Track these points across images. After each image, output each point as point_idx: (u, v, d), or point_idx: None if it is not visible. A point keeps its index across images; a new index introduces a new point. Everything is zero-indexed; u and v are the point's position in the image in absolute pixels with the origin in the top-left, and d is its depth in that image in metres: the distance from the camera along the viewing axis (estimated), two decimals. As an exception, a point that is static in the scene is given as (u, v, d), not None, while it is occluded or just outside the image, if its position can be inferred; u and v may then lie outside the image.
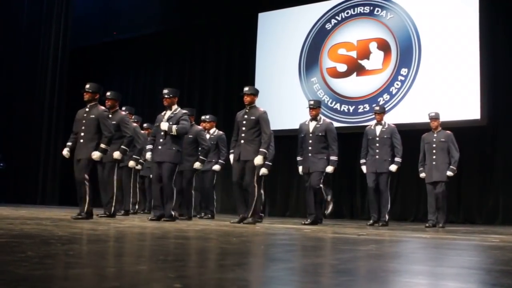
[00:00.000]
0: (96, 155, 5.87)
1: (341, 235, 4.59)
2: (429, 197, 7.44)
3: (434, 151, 7.40)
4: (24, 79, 13.95)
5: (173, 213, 6.29)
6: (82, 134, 6.00)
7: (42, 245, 2.61)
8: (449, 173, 7.29)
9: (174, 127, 6.27)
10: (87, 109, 6.10)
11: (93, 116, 6.00)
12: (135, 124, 7.82)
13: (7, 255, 2.12)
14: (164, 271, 1.88)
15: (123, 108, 7.73)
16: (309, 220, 6.83)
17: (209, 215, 7.90)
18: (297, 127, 7.41)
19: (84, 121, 6.03)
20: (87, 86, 6.14)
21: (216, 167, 7.99)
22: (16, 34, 14.30)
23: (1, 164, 13.27)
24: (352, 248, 3.26)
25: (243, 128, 6.42)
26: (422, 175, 7.52)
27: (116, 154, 6.63)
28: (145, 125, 9.04)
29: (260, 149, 6.27)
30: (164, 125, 6.31)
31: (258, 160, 6.25)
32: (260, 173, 7.37)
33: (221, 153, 8.04)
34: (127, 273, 1.76)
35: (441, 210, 7.32)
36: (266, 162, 6.70)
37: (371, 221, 7.38)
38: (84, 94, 6.11)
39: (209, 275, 1.87)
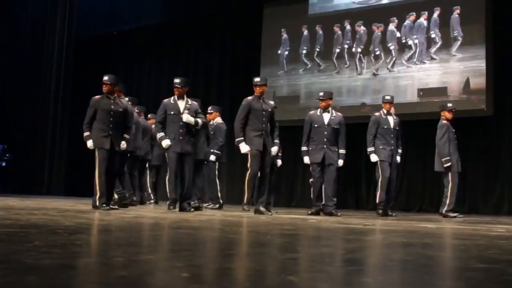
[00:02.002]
0: (124, 146, 6.10)
1: (347, 225, 4.59)
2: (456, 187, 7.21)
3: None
4: (29, 70, 13.99)
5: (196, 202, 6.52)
6: (111, 125, 5.99)
7: (49, 235, 2.62)
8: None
9: (200, 120, 6.33)
10: (111, 101, 6.08)
11: (121, 109, 6.09)
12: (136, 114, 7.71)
13: (15, 245, 2.12)
14: (172, 260, 1.88)
15: (126, 99, 7.66)
16: (314, 210, 6.83)
17: (217, 205, 7.88)
18: (302, 117, 7.35)
19: (112, 113, 6.02)
20: (106, 78, 6.13)
21: (212, 158, 7.90)
22: (22, 25, 14.32)
23: (8, 155, 13.33)
24: (358, 238, 3.26)
25: (264, 119, 6.43)
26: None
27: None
28: (150, 115, 9.02)
29: (276, 141, 6.55)
30: (187, 117, 6.30)
31: (275, 150, 6.40)
32: (278, 164, 7.58)
33: (216, 142, 7.91)
34: (135, 262, 1.76)
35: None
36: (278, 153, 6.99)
37: (390, 213, 7.11)
38: (103, 85, 6.10)
39: (217, 264, 1.87)
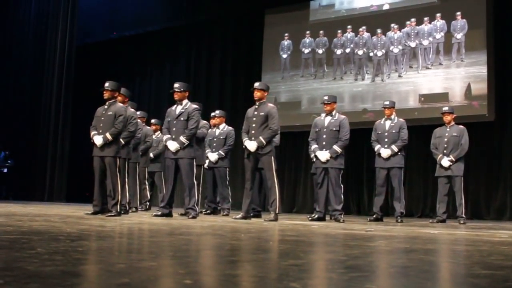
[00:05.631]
0: (99, 141, 5.93)
1: (349, 231, 4.58)
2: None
3: (445, 145, 7.37)
4: (31, 76, 14.01)
5: (196, 208, 6.33)
6: (101, 131, 6.03)
7: (51, 241, 2.62)
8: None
9: (183, 139, 6.23)
10: (105, 107, 6.15)
11: (111, 113, 6.05)
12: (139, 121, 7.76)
13: (17, 252, 2.12)
14: (174, 267, 1.88)
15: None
16: (316, 216, 6.81)
17: (226, 213, 7.80)
18: (303, 123, 7.35)
19: (102, 118, 6.08)
20: (107, 84, 6.16)
21: (213, 158, 7.93)
22: (23, 31, 14.36)
23: (9, 161, 13.33)
24: (360, 244, 3.25)
25: (253, 125, 6.37)
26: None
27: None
28: (152, 120, 9.03)
29: (260, 137, 6.23)
30: (172, 146, 6.26)
31: (252, 145, 6.22)
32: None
33: (224, 147, 7.96)
34: (137, 269, 1.76)
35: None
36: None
37: (373, 217, 7.41)
38: (104, 92, 6.12)
39: (219, 271, 1.86)
